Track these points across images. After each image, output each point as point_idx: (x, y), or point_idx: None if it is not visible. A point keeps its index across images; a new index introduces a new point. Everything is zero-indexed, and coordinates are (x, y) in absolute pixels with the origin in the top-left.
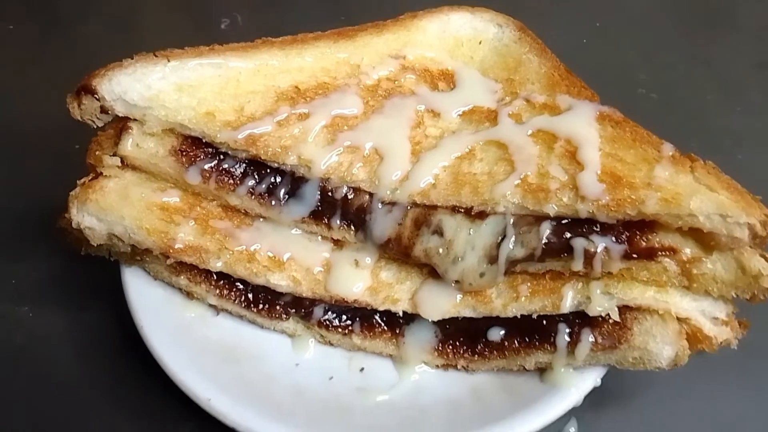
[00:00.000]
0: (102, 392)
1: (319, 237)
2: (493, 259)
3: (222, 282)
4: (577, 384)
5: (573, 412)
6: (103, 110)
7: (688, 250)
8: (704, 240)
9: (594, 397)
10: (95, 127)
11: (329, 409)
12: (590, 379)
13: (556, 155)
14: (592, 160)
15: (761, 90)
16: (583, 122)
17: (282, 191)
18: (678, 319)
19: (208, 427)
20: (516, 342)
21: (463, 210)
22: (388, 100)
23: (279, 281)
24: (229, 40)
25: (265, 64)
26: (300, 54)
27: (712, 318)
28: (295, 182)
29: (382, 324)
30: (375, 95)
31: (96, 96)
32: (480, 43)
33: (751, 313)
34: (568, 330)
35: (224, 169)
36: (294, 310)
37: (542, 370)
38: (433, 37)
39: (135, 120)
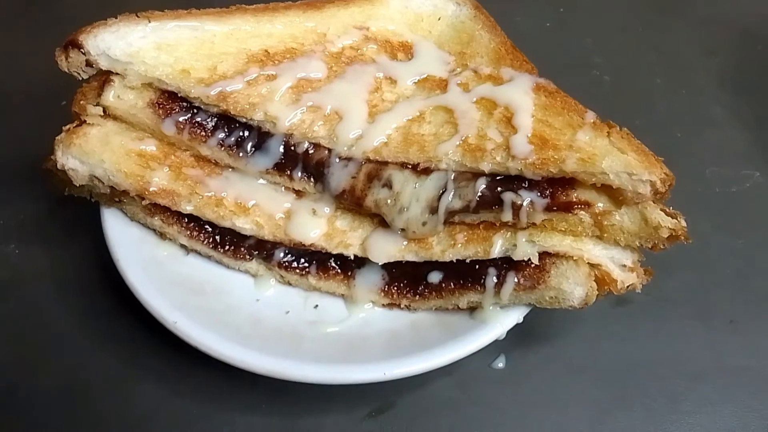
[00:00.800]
0: (81, 321)
1: (282, 187)
2: (434, 210)
3: (192, 224)
4: (501, 320)
5: (502, 349)
6: (88, 64)
7: (600, 205)
8: (615, 196)
9: (520, 336)
10: (80, 79)
11: (283, 336)
12: (513, 316)
13: (494, 120)
14: (524, 124)
15: (707, 74)
16: (520, 92)
17: (249, 144)
18: (591, 265)
19: (173, 352)
20: (452, 284)
21: (410, 166)
22: (350, 66)
23: (243, 224)
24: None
25: (238, 29)
26: (271, 21)
27: (620, 265)
28: (261, 136)
29: (336, 267)
30: (338, 61)
31: (82, 50)
32: (439, 19)
33: (662, 263)
34: (496, 273)
35: (197, 122)
36: (257, 252)
37: (473, 309)
38: (396, 12)
39: (117, 74)
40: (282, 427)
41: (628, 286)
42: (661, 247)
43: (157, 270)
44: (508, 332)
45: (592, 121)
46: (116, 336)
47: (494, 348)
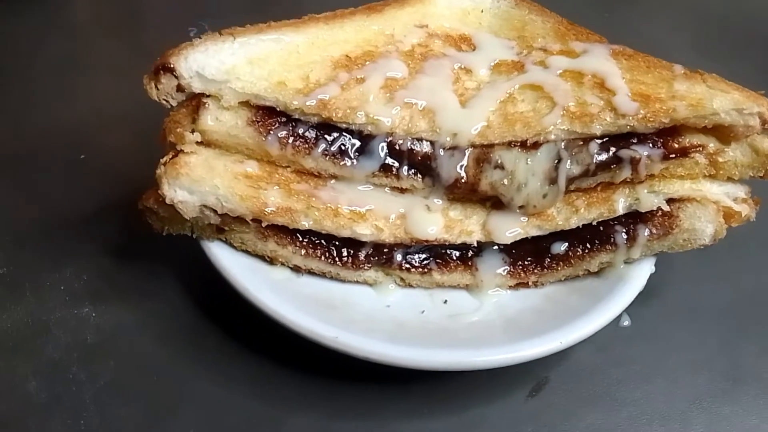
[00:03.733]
0: (196, 366)
1: (388, 188)
2: (553, 180)
3: (306, 241)
4: (637, 273)
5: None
6: (179, 88)
7: (712, 145)
8: (722, 134)
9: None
10: (169, 107)
11: (435, 332)
12: (647, 267)
13: (587, 87)
14: (619, 86)
15: (684, 47)
16: (601, 59)
17: (353, 150)
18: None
19: (306, 378)
20: (579, 250)
21: (518, 144)
22: (425, 62)
23: (363, 230)
24: None
25: (317, 38)
26: (341, 27)
27: (734, 198)
28: (363, 140)
29: (455, 259)
30: (413, 59)
31: (174, 74)
32: (482, 11)
33: None
34: (624, 229)
35: (298, 134)
36: (375, 258)
37: (600, 271)
38: (444, 9)
39: (209, 96)
40: (449, 426)
41: (745, 216)
42: None
43: (285, 292)
44: None
45: (682, 72)
46: (245, 374)
47: None
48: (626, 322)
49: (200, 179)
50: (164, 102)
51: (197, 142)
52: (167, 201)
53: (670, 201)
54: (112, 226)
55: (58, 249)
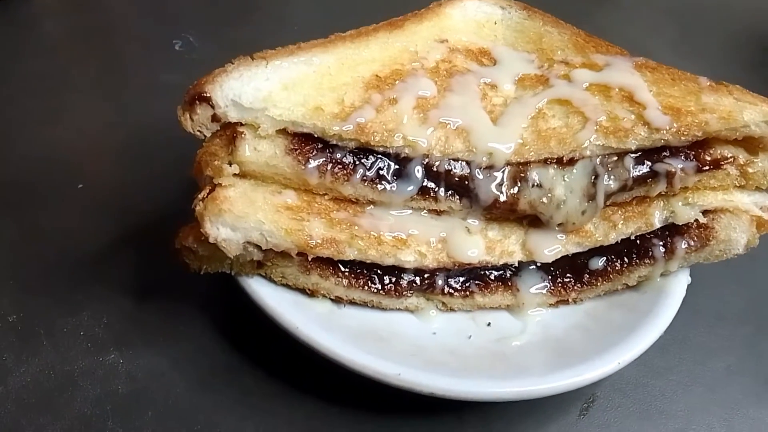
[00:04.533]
0: (233, 409)
1: (425, 212)
2: (591, 196)
3: (348, 271)
4: (675, 285)
5: None
6: (214, 118)
7: (742, 156)
8: (750, 145)
9: None
10: (203, 138)
11: (488, 359)
12: (683, 278)
13: (616, 101)
14: (648, 99)
15: (662, 45)
16: (625, 72)
17: (390, 173)
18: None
19: (353, 412)
20: (618, 265)
21: (554, 161)
22: (452, 78)
23: (407, 257)
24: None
25: (345, 57)
26: (367, 45)
27: (761, 207)
28: (400, 163)
29: (494, 279)
30: (439, 76)
31: (210, 103)
32: (495, 23)
33: None
34: (661, 243)
35: (336, 160)
36: (418, 284)
37: (638, 284)
38: (459, 22)
39: (244, 125)
40: None
41: None
42: None
43: (333, 327)
44: None
45: (708, 84)
46: (290, 412)
47: None
48: None
49: (243, 215)
50: (198, 133)
51: (234, 174)
52: (210, 240)
53: (704, 212)
54: (126, 260)
55: (71, 290)
